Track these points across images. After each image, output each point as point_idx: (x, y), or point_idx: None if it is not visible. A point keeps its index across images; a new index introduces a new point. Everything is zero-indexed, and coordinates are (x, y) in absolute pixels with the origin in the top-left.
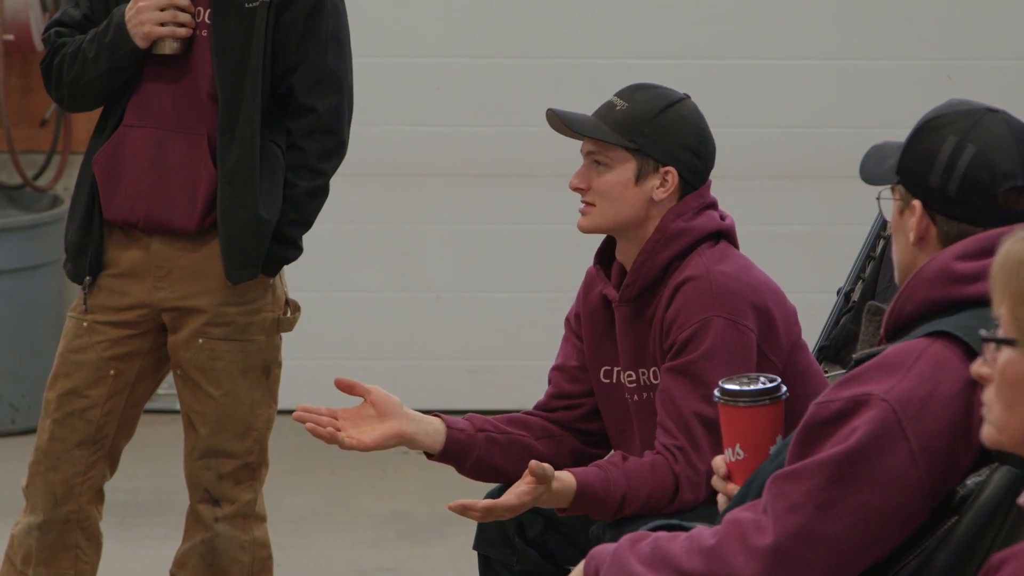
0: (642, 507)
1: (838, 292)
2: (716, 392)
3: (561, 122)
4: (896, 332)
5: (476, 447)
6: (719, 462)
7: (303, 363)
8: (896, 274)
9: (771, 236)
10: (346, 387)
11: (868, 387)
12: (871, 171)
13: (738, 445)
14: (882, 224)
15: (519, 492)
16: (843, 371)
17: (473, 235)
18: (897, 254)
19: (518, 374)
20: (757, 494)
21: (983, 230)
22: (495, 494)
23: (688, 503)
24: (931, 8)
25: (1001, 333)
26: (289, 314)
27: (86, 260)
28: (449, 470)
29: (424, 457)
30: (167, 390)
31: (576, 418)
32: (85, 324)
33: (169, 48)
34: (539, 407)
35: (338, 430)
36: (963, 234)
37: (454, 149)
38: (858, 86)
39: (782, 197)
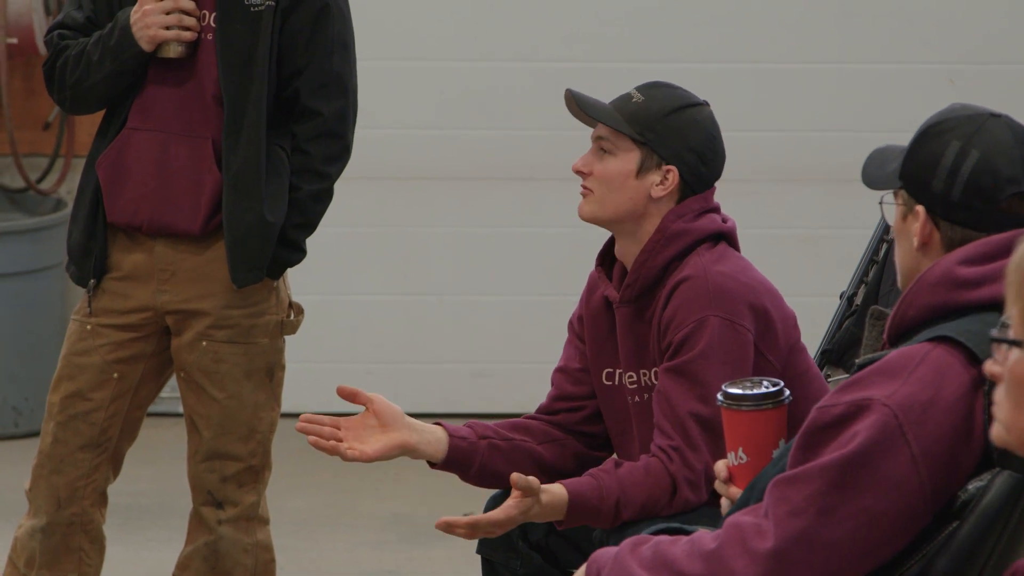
0: (640, 511)
1: (841, 296)
2: (719, 396)
3: (577, 104)
4: (899, 337)
5: (479, 454)
6: (721, 466)
7: (306, 366)
8: (899, 278)
9: (772, 239)
10: (348, 396)
11: (870, 392)
12: (873, 175)
13: (741, 449)
14: (884, 228)
15: (506, 506)
16: (846, 375)
17: (475, 238)
18: (900, 258)
19: (520, 377)
20: (759, 498)
21: (986, 235)
22: (497, 499)
23: (691, 502)
24: (933, 11)
25: (1012, 334)
26: (292, 317)
27: (90, 263)
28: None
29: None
30: (170, 393)
31: (579, 420)
32: (89, 327)
33: (174, 51)
34: (541, 410)
35: (340, 441)
36: (966, 239)
37: (457, 152)
38: (859, 89)
39: (783, 200)
